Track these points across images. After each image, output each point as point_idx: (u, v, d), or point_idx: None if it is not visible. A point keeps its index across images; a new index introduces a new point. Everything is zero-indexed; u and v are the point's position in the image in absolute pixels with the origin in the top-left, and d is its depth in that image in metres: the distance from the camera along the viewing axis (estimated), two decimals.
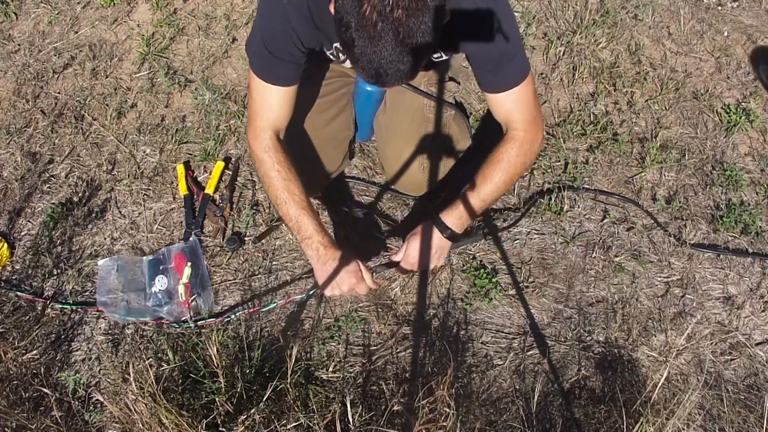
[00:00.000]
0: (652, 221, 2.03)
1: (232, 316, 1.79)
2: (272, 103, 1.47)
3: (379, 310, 1.85)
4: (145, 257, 1.90)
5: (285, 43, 1.38)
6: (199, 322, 1.77)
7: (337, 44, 1.47)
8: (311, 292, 1.80)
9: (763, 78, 0.54)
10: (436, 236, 1.56)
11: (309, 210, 1.49)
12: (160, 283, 1.82)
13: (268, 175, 1.49)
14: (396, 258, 1.64)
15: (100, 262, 1.87)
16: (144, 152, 2.14)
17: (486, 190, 1.51)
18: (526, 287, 1.90)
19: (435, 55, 1.54)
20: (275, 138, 1.50)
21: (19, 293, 1.82)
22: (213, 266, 1.91)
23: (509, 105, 1.48)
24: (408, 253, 1.59)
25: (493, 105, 1.52)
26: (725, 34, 2.53)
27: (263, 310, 1.80)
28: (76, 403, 1.64)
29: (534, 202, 2.04)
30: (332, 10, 1.18)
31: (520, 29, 2.46)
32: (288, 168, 1.49)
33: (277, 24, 1.36)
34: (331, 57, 1.55)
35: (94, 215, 2.01)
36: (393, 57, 1.12)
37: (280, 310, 1.83)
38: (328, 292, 1.52)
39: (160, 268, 1.85)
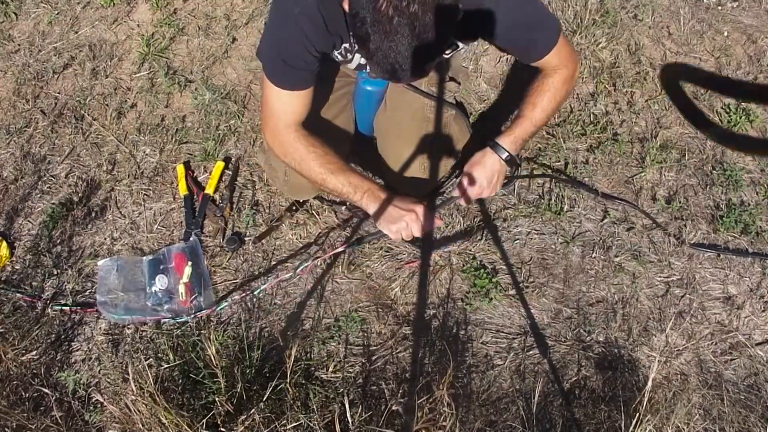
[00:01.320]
0: (652, 221, 2.03)
1: (261, 288, 1.80)
2: (291, 105, 1.47)
3: (379, 310, 1.85)
4: (145, 257, 1.90)
5: (300, 52, 1.38)
6: (198, 313, 1.77)
7: (346, 44, 1.47)
8: (375, 236, 1.71)
9: (676, 96, 0.52)
10: (496, 160, 1.55)
11: (356, 170, 1.49)
12: (161, 282, 1.82)
13: (304, 159, 1.47)
14: (458, 191, 1.60)
15: (100, 262, 1.87)
16: (144, 152, 2.14)
17: (537, 114, 1.53)
18: (526, 287, 1.90)
19: (448, 51, 1.54)
20: (300, 128, 1.50)
21: (18, 294, 1.82)
22: (213, 266, 1.91)
23: (551, 62, 1.51)
24: (474, 180, 1.57)
25: (537, 65, 1.55)
26: (725, 34, 2.53)
27: (298, 270, 1.80)
28: (76, 403, 1.64)
29: (529, 176, 2.07)
30: (346, 7, 1.19)
31: None
32: (321, 144, 1.49)
33: (290, 34, 1.36)
34: (338, 57, 1.55)
35: (94, 215, 2.01)
36: (409, 52, 1.13)
37: (280, 309, 1.83)
38: (395, 237, 1.47)
39: (161, 267, 1.85)
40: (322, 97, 1.75)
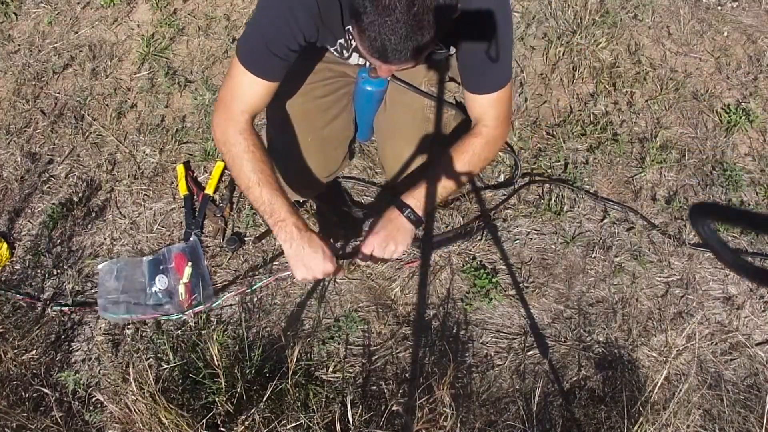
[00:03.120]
0: (653, 221, 2.03)
1: (219, 301, 1.80)
2: (254, 93, 1.44)
3: (379, 310, 1.85)
4: (145, 257, 1.89)
5: (286, 38, 1.37)
6: (192, 310, 1.77)
7: (341, 40, 1.46)
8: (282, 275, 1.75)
9: (706, 235, 0.53)
10: (397, 216, 1.48)
11: (282, 193, 1.45)
12: (161, 282, 1.82)
13: (241, 157, 1.44)
14: (365, 247, 1.52)
15: (100, 265, 1.86)
16: (144, 152, 2.14)
17: (448, 177, 1.49)
18: (526, 287, 1.90)
19: (441, 51, 1.54)
20: (251, 122, 1.47)
21: (18, 295, 1.82)
22: (213, 266, 1.91)
23: (486, 106, 1.49)
24: (370, 236, 1.50)
25: (470, 102, 1.52)
26: (725, 34, 2.53)
27: (251, 289, 1.81)
28: (76, 403, 1.64)
29: (522, 186, 2.08)
30: None
31: (520, 29, 2.46)
32: (262, 150, 1.45)
33: (281, 17, 1.35)
34: (335, 53, 1.54)
35: (94, 215, 2.01)
36: (402, 31, 1.11)
37: (280, 310, 1.83)
38: (299, 276, 1.46)
39: (161, 268, 1.85)
40: (320, 96, 1.75)
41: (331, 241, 1.52)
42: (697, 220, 0.54)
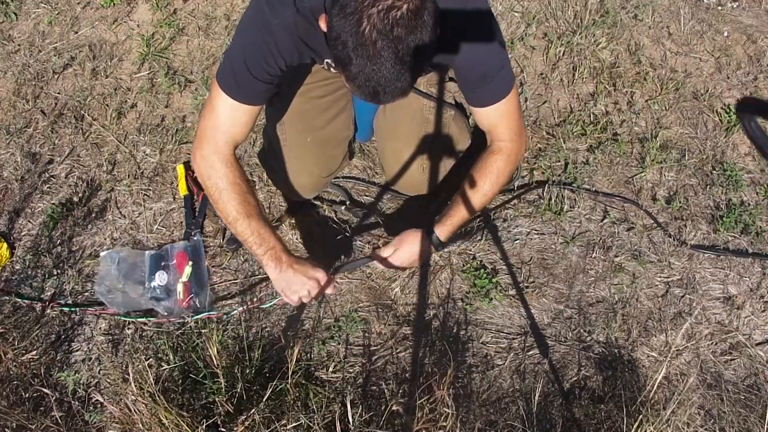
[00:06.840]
0: (652, 221, 2.04)
1: (229, 314, 1.79)
2: (238, 120, 1.43)
3: (379, 310, 1.85)
4: (147, 251, 1.89)
5: (267, 62, 1.35)
6: (196, 317, 1.77)
7: (328, 60, 1.46)
8: (272, 299, 1.79)
9: (752, 130, 0.53)
10: (426, 244, 1.56)
11: (269, 223, 1.48)
12: (160, 278, 1.82)
13: (228, 190, 1.44)
14: (384, 254, 1.60)
15: (103, 253, 1.86)
16: (144, 152, 2.14)
17: (476, 200, 1.53)
18: (526, 287, 1.90)
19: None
20: (234, 153, 1.47)
21: (18, 299, 1.81)
22: (213, 266, 1.91)
23: (495, 118, 1.48)
24: (399, 253, 1.57)
25: (478, 117, 1.51)
26: (725, 34, 2.53)
27: (263, 306, 1.80)
28: (76, 403, 1.64)
29: (526, 191, 2.07)
30: (323, 26, 1.17)
31: (520, 29, 2.46)
32: (248, 182, 1.47)
33: (262, 42, 1.33)
34: (325, 66, 1.54)
35: (94, 215, 2.01)
36: (392, 75, 1.11)
37: (280, 309, 1.83)
38: (294, 298, 1.49)
39: (162, 264, 1.85)
40: (320, 96, 1.75)
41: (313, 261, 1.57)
42: (743, 114, 0.53)
